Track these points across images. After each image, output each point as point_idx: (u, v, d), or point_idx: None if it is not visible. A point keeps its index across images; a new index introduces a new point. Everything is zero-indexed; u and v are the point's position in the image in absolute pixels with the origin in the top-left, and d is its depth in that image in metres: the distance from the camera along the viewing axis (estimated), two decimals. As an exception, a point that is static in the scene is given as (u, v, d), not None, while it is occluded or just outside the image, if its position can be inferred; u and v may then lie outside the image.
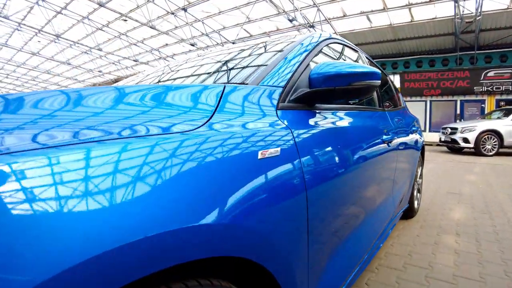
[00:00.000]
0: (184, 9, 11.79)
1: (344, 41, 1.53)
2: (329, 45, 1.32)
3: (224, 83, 0.90)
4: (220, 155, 0.56)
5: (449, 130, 8.42)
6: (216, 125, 0.62)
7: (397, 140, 1.71)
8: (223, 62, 1.20)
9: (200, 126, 0.59)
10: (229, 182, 0.55)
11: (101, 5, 11.63)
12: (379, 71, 0.93)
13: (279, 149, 0.69)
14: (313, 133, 0.86)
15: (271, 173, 0.65)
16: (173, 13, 12.14)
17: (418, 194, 2.75)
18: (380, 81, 0.93)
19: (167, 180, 0.46)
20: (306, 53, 1.06)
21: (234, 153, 0.59)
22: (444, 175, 4.80)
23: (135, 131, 0.50)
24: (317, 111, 0.96)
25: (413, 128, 2.34)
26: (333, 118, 1.03)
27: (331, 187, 0.88)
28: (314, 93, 0.89)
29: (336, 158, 0.93)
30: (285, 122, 0.79)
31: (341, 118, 1.10)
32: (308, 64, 1.02)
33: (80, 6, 12.16)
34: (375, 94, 1.68)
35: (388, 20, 11.20)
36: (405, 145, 1.93)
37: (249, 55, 1.19)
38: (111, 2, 11.63)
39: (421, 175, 2.81)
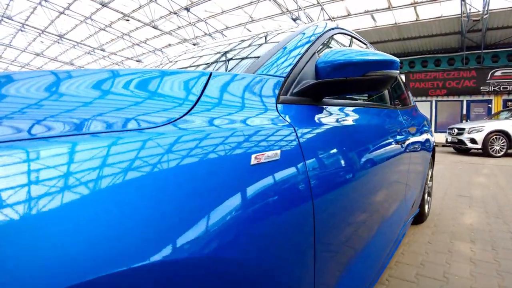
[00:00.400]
0: (187, 9, 11.71)
1: (352, 33, 1.41)
2: (336, 35, 1.20)
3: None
4: (197, 161, 0.42)
5: (456, 130, 8.25)
6: (196, 120, 0.49)
7: (410, 141, 1.59)
8: (218, 53, 1.08)
9: (170, 122, 0.45)
10: (209, 200, 0.41)
11: (103, 5, 11.59)
12: (398, 60, 0.81)
13: (278, 151, 0.57)
14: (321, 133, 0.74)
15: (268, 184, 0.52)
16: (175, 13, 12.07)
17: (428, 197, 2.61)
18: (399, 71, 0.81)
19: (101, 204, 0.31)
20: (311, 42, 0.94)
21: (217, 159, 0.46)
22: (453, 177, 4.64)
23: (71, 128, 0.36)
24: (324, 106, 0.84)
25: (425, 128, 2.21)
26: (342, 116, 0.91)
27: (343, 199, 0.75)
28: (322, 85, 0.76)
29: (348, 163, 0.80)
30: (287, 118, 0.67)
31: (351, 116, 0.97)
32: (314, 54, 0.89)
33: (83, 6, 12.13)
34: (386, 90, 1.55)
35: (393, 19, 11.03)
36: (418, 146, 1.80)
37: (249, 45, 1.07)
38: (113, 2, 11.58)
39: (431, 177, 2.68)
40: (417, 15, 10.66)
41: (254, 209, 0.47)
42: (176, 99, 0.51)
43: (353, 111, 1.02)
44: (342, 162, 0.78)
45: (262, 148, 0.54)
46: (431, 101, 13.24)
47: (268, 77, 0.72)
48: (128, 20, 13.08)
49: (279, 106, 0.68)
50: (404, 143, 1.42)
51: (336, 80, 0.76)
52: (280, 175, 0.55)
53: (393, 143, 1.25)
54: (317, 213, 0.63)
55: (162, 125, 0.44)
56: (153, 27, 13.15)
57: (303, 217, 0.59)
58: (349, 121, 0.93)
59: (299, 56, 0.83)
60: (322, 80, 0.76)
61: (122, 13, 12.36)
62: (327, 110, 0.84)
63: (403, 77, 13.45)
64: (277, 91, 0.70)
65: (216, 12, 11.95)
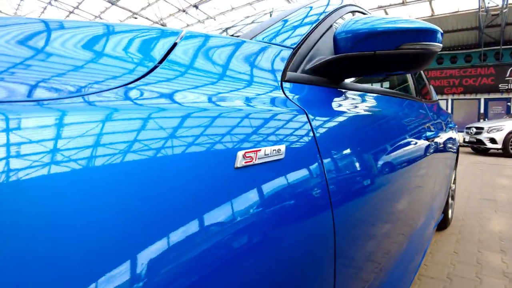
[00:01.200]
0: (196, 6, 11.61)
1: (369, 13, 1.22)
2: (354, 13, 1.02)
3: None
4: (146, 156, 0.27)
5: (474, 130, 7.92)
6: (145, 92, 0.33)
7: (439, 138, 1.40)
8: (218, 30, 0.91)
9: (107, 90, 0.30)
10: (164, 217, 0.26)
11: (112, 3, 11.59)
12: (441, 30, 0.62)
13: (282, 147, 0.40)
14: (343, 123, 0.56)
15: (266, 197, 0.36)
16: (184, 11, 11.99)
17: (452, 201, 2.39)
18: (441, 45, 0.62)
19: None
20: (328, 13, 0.75)
21: (179, 155, 0.30)
22: (474, 179, 4.37)
23: None
24: (344, 90, 0.66)
25: (450, 125, 2.00)
26: (367, 103, 0.72)
27: (370, 209, 0.58)
28: (344, 60, 0.58)
29: (375, 163, 0.63)
30: (296, 101, 0.49)
31: (376, 105, 0.78)
32: (331, 26, 0.71)
33: (92, 5, 12.18)
34: (410, 79, 1.35)
35: (407, 15, 10.67)
36: (445, 144, 1.61)
37: (252, 22, 0.89)
38: (122, 0, 11.58)
39: (454, 179, 2.45)
40: (432, 10, 10.27)
41: (237, 237, 0.31)
42: (123, 61, 0.34)
43: (377, 99, 0.83)
44: (369, 161, 0.60)
45: (255, 142, 0.37)
46: (446, 100, 12.81)
47: (271, 45, 0.54)
48: (136, 18, 13.08)
49: (286, 85, 0.50)
50: (433, 140, 1.23)
51: (361, 55, 0.58)
52: (285, 180, 0.38)
53: (422, 140, 1.07)
54: (339, 232, 0.45)
55: (79, 95, 0.27)
56: (162, 25, 13.11)
57: (320, 241, 0.41)
58: (375, 111, 0.74)
59: (313, 25, 0.65)
60: (343, 54, 0.58)
61: (130, 11, 12.35)
62: (348, 95, 0.66)
63: (417, 74, 13.08)
64: (283, 65, 0.52)
65: (226, 9, 11.82)
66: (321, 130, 0.49)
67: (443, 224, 2.18)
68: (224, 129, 0.35)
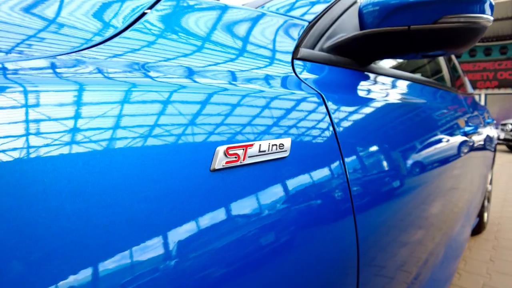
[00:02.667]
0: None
1: None
2: None
3: None
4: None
5: (510, 126, 7.50)
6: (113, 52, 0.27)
7: (477, 135, 1.26)
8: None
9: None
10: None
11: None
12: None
13: (287, 141, 0.31)
14: (369, 113, 0.47)
15: (253, 213, 0.27)
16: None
17: (487, 203, 2.20)
18: (492, 18, 0.51)
19: None
20: None
21: (127, 149, 0.22)
22: (510, 180, 4.06)
23: None
24: (371, 74, 0.56)
25: (488, 120, 1.82)
26: (399, 91, 0.62)
27: (400, 218, 0.49)
28: (370, 38, 0.49)
29: (406, 162, 0.53)
30: (311, 83, 0.41)
31: (409, 93, 0.68)
32: (355, 2, 0.61)
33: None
34: (445, 67, 1.22)
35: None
36: (483, 142, 1.46)
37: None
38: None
39: (490, 180, 2.25)
40: (465, -1, 9.69)
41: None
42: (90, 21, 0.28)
43: (409, 87, 0.72)
44: (399, 160, 0.51)
45: (246, 134, 0.28)
46: (479, 95, 12.12)
47: (279, 15, 0.45)
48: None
49: (298, 63, 0.42)
50: (470, 137, 1.10)
51: (392, 31, 0.48)
52: (288, 186, 0.29)
53: (459, 136, 0.95)
54: (363, 248, 0.36)
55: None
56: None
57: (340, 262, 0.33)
58: (407, 100, 0.64)
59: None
60: (371, 30, 0.48)
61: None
62: (377, 80, 0.56)
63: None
64: (294, 40, 0.44)
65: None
66: (343, 121, 0.40)
67: (478, 228, 2.00)
68: (201, 115, 0.26)
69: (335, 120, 0.39)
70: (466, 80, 1.97)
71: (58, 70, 0.23)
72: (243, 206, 0.26)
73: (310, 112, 0.36)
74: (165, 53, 0.30)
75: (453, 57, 1.85)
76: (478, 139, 1.31)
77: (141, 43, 0.30)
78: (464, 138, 1.05)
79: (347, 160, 0.38)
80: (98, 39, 0.27)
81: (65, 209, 0.18)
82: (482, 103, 12.21)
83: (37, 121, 0.18)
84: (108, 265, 0.19)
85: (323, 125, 0.37)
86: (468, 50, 12.13)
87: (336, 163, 0.36)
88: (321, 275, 0.32)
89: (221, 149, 0.25)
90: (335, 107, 0.40)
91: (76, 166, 0.19)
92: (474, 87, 12.10)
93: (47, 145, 0.18)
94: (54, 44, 0.25)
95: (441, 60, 1.32)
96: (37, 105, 0.19)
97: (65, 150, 0.19)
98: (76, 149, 0.19)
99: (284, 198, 0.29)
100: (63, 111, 0.20)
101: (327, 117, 0.38)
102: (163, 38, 0.32)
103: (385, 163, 0.47)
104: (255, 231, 0.26)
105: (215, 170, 0.25)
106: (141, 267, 0.19)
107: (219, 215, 0.24)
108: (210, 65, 0.33)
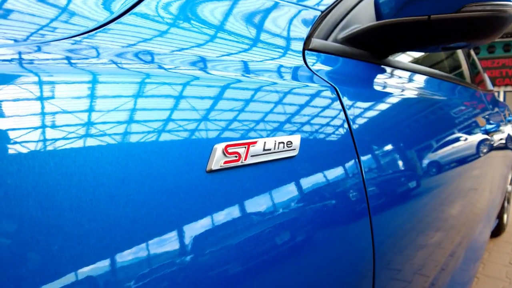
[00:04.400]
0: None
1: None
2: None
3: None
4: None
5: (531, 125, 7.15)
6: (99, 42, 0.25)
7: (497, 133, 1.21)
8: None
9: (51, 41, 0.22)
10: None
11: None
12: None
13: (296, 138, 0.28)
14: (386, 109, 0.44)
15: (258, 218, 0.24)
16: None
17: (507, 204, 2.12)
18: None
19: None
20: None
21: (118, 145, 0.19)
22: (531, 180, 3.90)
23: None
24: (387, 68, 0.54)
25: (509, 118, 1.75)
26: (417, 86, 0.60)
27: (418, 221, 0.46)
28: (388, 28, 0.46)
29: (427, 162, 0.51)
30: (323, 75, 0.38)
31: (428, 89, 0.65)
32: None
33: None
34: (464, 63, 1.17)
35: None
36: (504, 141, 1.40)
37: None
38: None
39: (511, 180, 2.16)
40: (483, -7, 9.38)
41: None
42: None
43: (428, 82, 0.69)
44: (417, 159, 0.48)
45: (248, 130, 0.25)
46: (498, 92, 11.71)
47: (291, 4, 0.43)
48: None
49: (309, 54, 0.40)
50: (492, 135, 1.06)
51: (411, 21, 0.45)
52: (297, 188, 0.27)
53: (479, 135, 0.91)
54: (379, 252, 0.34)
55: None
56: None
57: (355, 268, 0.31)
58: (427, 96, 0.61)
59: None
60: (388, 20, 0.46)
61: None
62: (394, 74, 0.54)
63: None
64: (306, 30, 0.42)
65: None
66: (359, 117, 0.38)
67: (497, 230, 1.93)
68: (195, 110, 0.23)
69: (350, 116, 0.37)
70: (486, 77, 1.90)
71: (47, 56, 0.21)
72: (244, 214, 0.23)
73: (323, 106, 0.34)
74: (164, 40, 0.29)
75: (472, 52, 1.78)
76: (498, 137, 1.25)
77: (140, 30, 0.28)
78: (485, 136, 1.00)
79: (363, 158, 0.36)
80: (92, 24, 0.26)
81: (52, 210, 0.17)
82: (501, 100, 11.85)
83: (20, 116, 0.17)
84: (97, 267, 0.17)
85: (338, 121, 0.35)
86: (486, 46, 11.78)
87: (352, 162, 0.34)
88: (334, 282, 0.30)
89: (219, 147, 0.23)
90: (350, 102, 0.38)
91: (53, 167, 0.17)
92: (493, 85, 11.70)
93: (29, 141, 0.17)
94: (49, 29, 0.24)
95: (460, 55, 1.27)
96: (20, 99, 0.18)
97: (50, 147, 0.17)
98: (54, 148, 0.17)
99: (292, 202, 0.27)
100: (48, 105, 0.18)
101: (342, 112, 0.36)
102: (164, 24, 0.30)
103: (402, 162, 0.45)
104: (259, 241, 0.24)
105: (211, 171, 0.22)
106: (127, 272, 0.18)
107: (215, 222, 0.22)
108: (218, 56, 0.31)
